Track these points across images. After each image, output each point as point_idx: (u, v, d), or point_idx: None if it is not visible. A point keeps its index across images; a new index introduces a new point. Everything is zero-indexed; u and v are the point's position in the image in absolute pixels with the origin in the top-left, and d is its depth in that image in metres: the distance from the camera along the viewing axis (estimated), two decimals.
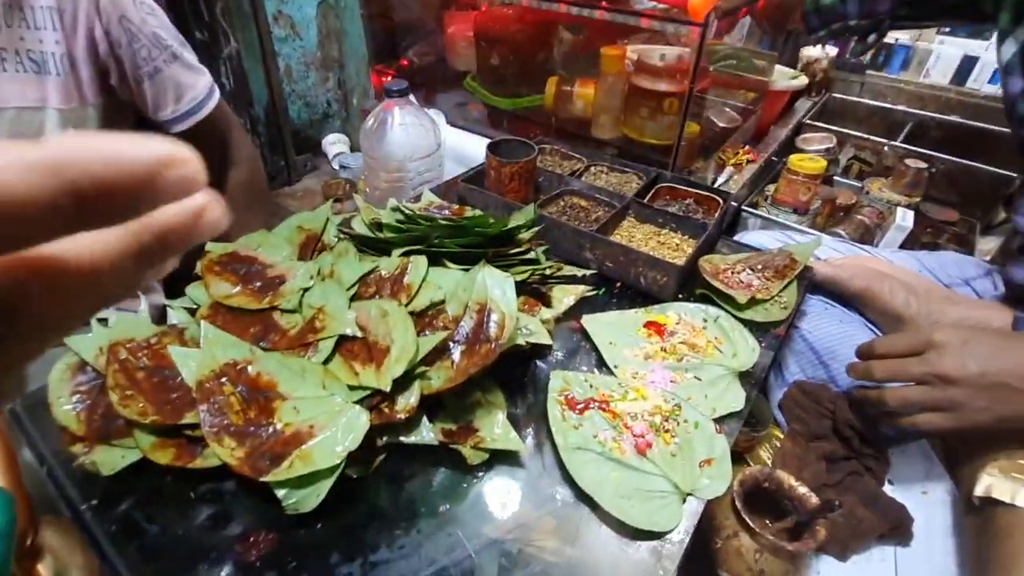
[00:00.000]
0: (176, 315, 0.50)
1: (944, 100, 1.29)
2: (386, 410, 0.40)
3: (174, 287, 0.86)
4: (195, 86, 0.67)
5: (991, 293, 0.69)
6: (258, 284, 0.52)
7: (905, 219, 1.04)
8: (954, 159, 1.12)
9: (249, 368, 0.43)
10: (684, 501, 0.40)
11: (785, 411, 0.70)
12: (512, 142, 0.72)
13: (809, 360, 0.71)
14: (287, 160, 1.32)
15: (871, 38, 0.79)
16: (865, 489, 0.60)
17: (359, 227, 0.63)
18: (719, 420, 0.47)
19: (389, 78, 1.13)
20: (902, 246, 1.06)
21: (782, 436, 0.68)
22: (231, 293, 0.52)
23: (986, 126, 1.23)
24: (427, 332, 0.44)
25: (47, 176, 0.13)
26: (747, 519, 0.51)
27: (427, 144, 0.74)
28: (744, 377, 0.51)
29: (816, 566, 0.58)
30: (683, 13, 0.68)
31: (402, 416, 0.39)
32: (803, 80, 1.20)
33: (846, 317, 0.71)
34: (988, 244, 1.08)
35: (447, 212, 0.67)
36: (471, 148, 0.95)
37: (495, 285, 0.43)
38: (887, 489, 0.64)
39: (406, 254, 0.50)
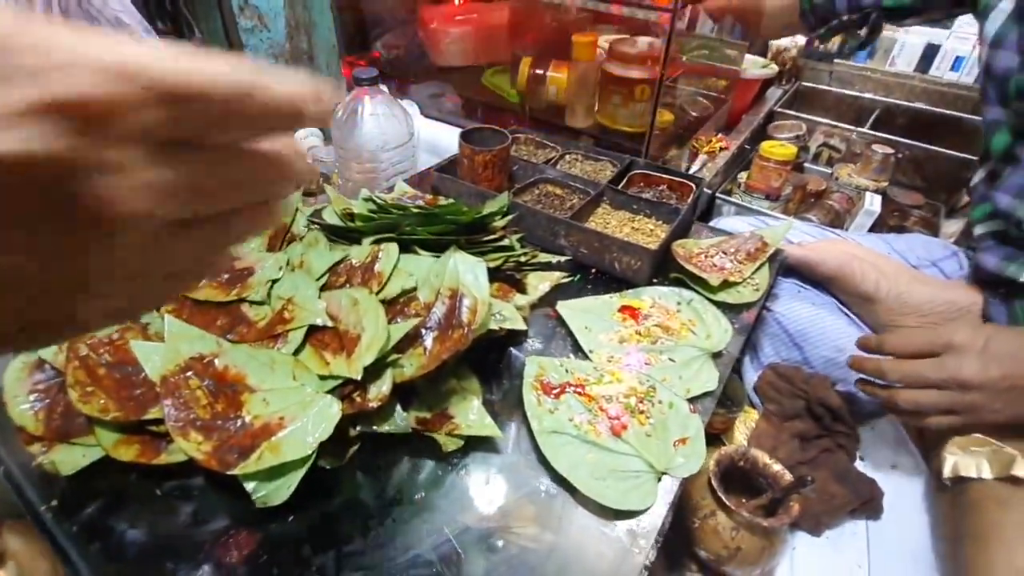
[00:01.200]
0: None
1: (909, 87, 1.32)
2: (358, 399, 0.40)
3: None
4: None
5: (958, 273, 0.71)
6: (225, 276, 0.51)
7: (873, 204, 1.06)
8: (919, 144, 1.15)
9: (216, 361, 0.42)
10: (659, 480, 0.40)
11: (760, 393, 0.71)
12: (485, 131, 0.72)
13: (783, 342, 0.73)
14: None
15: (863, 32, 0.80)
16: (837, 465, 0.61)
17: (330, 217, 0.62)
18: (693, 400, 0.47)
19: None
20: (871, 230, 1.08)
21: (757, 416, 0.69)
22: (197, 287, 0.50)
23: (948, 112, 1.26)
24: (399, 320, 0.43)
25: (126, 83, 0.12)
26: (723, 497, 0.52)
27: (399, 134, 0.73)
28: (717, 357, 0.52)
29: (792, 541, 0.59)
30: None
31: (375, 404, 0.39)
32: (773, 69, 1.22)
33: (818, 299, 0.73)
34: (952, 227, 1.12)
35: (420, 202, 0.66)
36: (446, 140, 0.94)
37: (467, 270, 0.43)
38: (858, 465, 0.65)
39: (377, 242, 0.49)
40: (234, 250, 0.55)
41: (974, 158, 1.10)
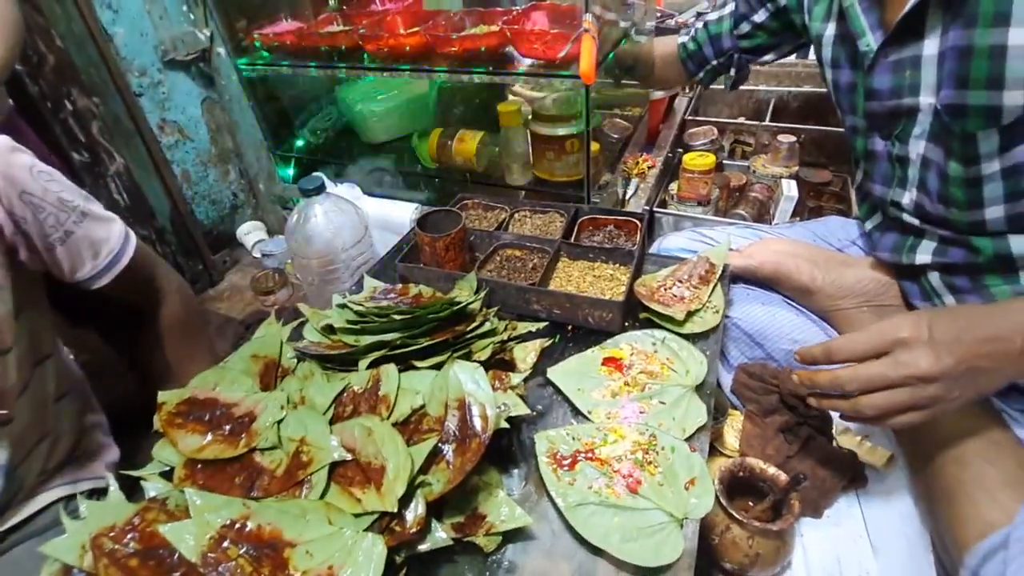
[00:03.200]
0: (152, 485, 0.49)
1: (795, 74, 1.46)
2: (397, 528, 0.42)
3: (132, 441, 0.81)
4: (110, 237, 0.64)
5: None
6: (227, 428, 0.52)
7: (791, 189, 1.17)
8: (816, 127, 1.27)
9: (248, 524, 0.43)
10: (682, 526, 0.45)
11: (737, 394, 0.77)
12: (438, 212, 0.75)
13: (746, 343, 0.80)
14: (204, 263, 1.26)
15: (733, 72, 0.90)
16: (821, 451, 0.68)
17: (311, 335, 0.64)
18: (690, 438, 0.52)
19: (292, 162, 1.12)
20: (794, 214, 1.19)
21: (741, 416, 0.75)
22: (202, 445, 0.51)
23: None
24: (414, 439, 0.46)
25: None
26: (733, 513, 0.57)
27: (355, 231, 0.75)
28: (700, 390, 0.57)
29: (799, 529, 0.65)
30: (562, 66, 0.74)
31: (414, 530, 0.41)
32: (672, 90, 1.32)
33: (766, 298, 0.81)
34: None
35: (394, 295, 0.69)
36: (395, 215, 0.96)
37: (467, 379, 0.46)
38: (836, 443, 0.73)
39: (373, 364, 0.51)
40: (226, 395, 0.56)
41: None
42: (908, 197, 0.63)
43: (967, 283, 0.61)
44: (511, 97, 0.99)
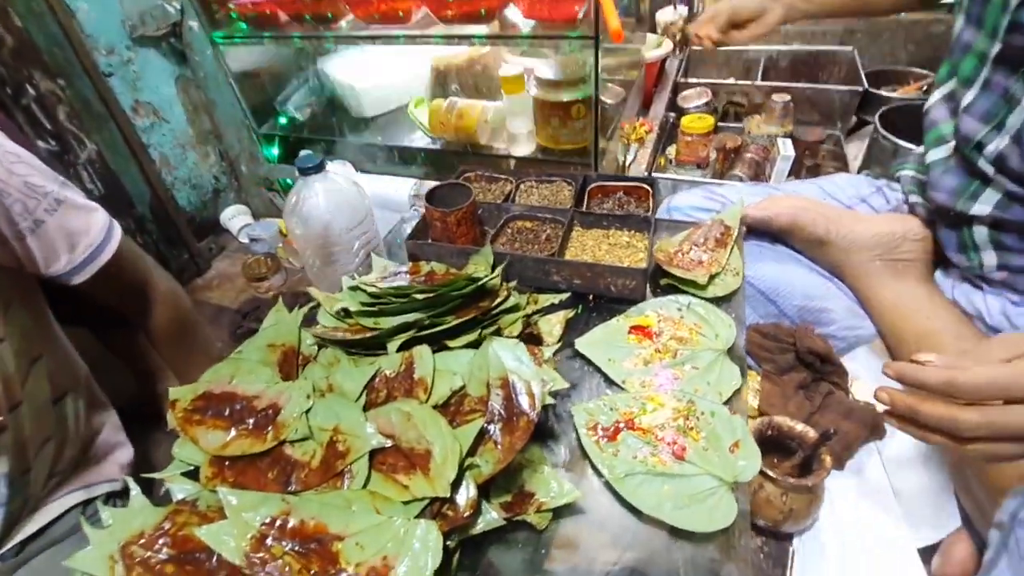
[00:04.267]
0: (179, 487, 0.46)
1: (783, 32, 1.44)
2: (449, 513, 0.40)
3: (144, 437, 0.78)
4: (89, 229, 0.59)
5: (885, 207, 0.80)
6: (251, 422, 0.49)
7: (787, 148, 1.17)
8: (808, 85, 1.26)
9: (290, 520, 0.41)
10: (733, 489, 0.44)
11: (751, 354, 0.78)
12: (444, 186, 0.72)
13: (759, 301, 0.80)
14: (189, 251, 1.19)
15: None
16: (841, 405, 0.69)
17: (325, 319, 0.61)
18: (727, 402, 0.52)
19: (276, 141, 1.06)
20: (791, 173, 1.19)
21: (759, 377, 0.76)
22: (226, 441, 0.48)
23: (821, 48, 1.39)
24: (456, 421, 0.44)
25: None
26: (766, 471, 0.58)
27: (359, 211, 0.72)
28: (730, 352, 0.57)
29: (826, 482, 0.66)
30: (568, 27, 0.71)
31: (467, 514, 0.40)
32: (668, 45, 1.29)
33: (778, 255, 0.80)
34: (853, 150, 1.25)
35: (405, 274, 0.66)
36: (393, 192, 0.92)
37: (509, 356, 0.44)
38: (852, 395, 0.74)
39: (404, 346, 0.49)
40: (244, 387, 0.53)
41: (857, 88, 1.23)
42: (996, 144, 0.58)
43: (1016, 241, 0.60)
44: (506, 64, 0.95)
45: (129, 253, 0.64)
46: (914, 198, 0.74)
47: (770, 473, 0.57)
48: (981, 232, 0.62)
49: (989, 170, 0.59)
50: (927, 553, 0.59)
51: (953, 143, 0.64)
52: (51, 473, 0.64)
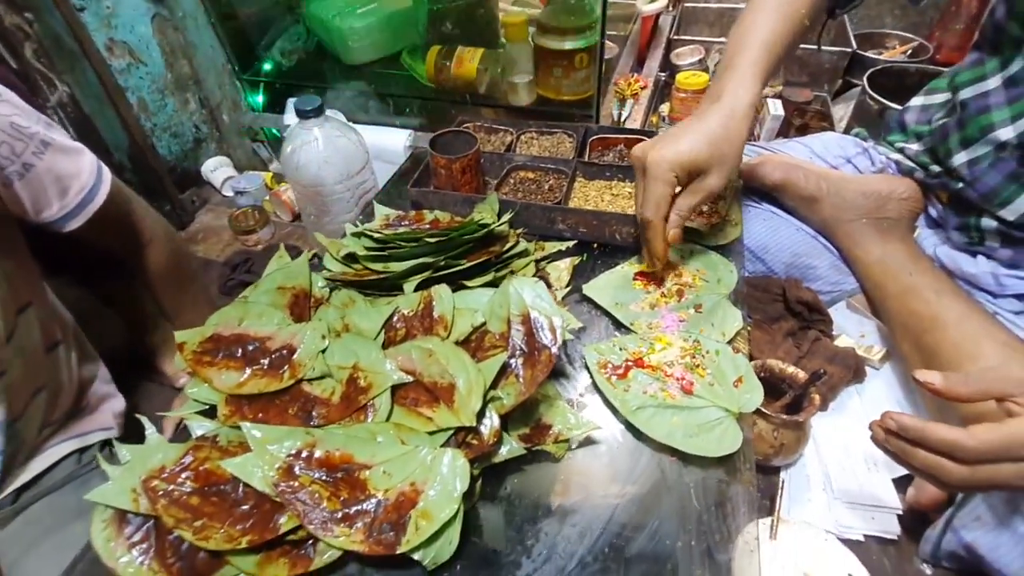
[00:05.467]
0: (197, 424, 0.46)
1: None
2: (474, 442, 0.42)
3: (133, 387, 0.76)
4: (79, 172, 0.56)
5: (870, 169, 0.82)
6: (265, 362, 0.49)
7: (776, 108, 1.18)
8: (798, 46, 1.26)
9: (316, 451, 0.42)
10: (738, 419, 0.47)
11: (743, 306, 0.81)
12: (447, 134, 0.71)
13: (749, 258, 0.82)
14: (172, 203, 1.14)
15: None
16: (826, 350, 0.73)
17: (331, 264, 0.60)
18: (730, 342, 0.54)
19: (260, 88, 1.01)
20: (779, 132, 1.21)
21: (750, 326, 0.79)
22: (241, 381, 0.48)
23: None
24: (477, 356, 0.45)
25: None
26: (760, 408, 0.61)
27: (358, 158, 0.70)
28: (733, 296, 0.59)
29: (811, 420, 0.70)
30: None
31: (492, 442, 0.41)
32: (662, 1, 1.27)
33: (767, 214, 0.83)
34: (840, 111, 1.27)
35: (409, 222, 0.66)
36: (388, 142, 0.90)
37: (530, 293, 0.45)
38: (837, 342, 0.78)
39: (422, 286, 0.49)
40: (255, 329, 0.52)
41: (846, 50, 1.24)
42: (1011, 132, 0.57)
43: None
44: (507, 9, 0.92)
45: (120, 194, 0.62)
46: (919, 175, 0.75)
47: (763, 410, 0.60)
48: (990, 224, 0.64)
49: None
50: (902, 483, 0.64)
51: (1007, 138, 0.59)
52: (45, 422, 0.63)
